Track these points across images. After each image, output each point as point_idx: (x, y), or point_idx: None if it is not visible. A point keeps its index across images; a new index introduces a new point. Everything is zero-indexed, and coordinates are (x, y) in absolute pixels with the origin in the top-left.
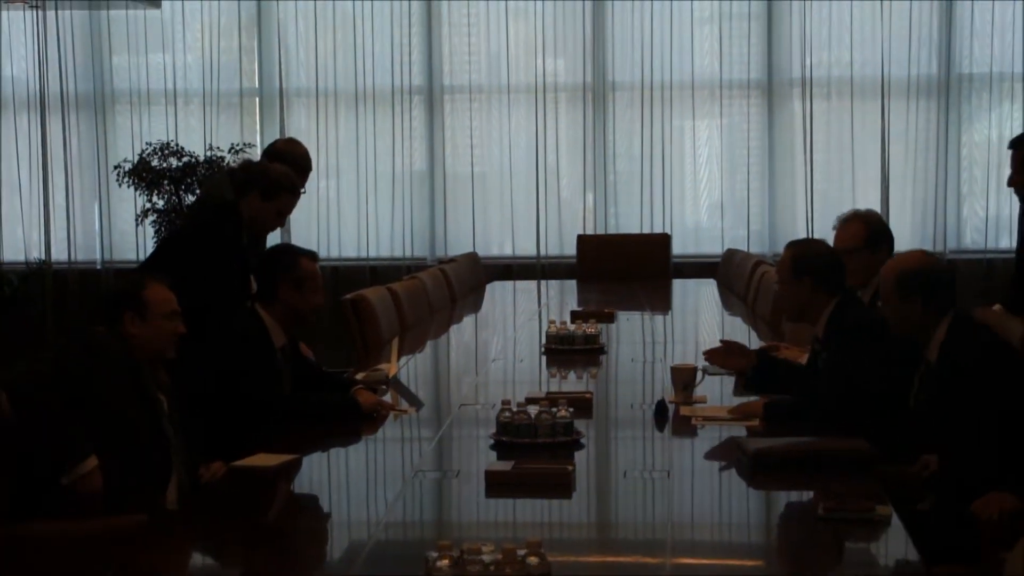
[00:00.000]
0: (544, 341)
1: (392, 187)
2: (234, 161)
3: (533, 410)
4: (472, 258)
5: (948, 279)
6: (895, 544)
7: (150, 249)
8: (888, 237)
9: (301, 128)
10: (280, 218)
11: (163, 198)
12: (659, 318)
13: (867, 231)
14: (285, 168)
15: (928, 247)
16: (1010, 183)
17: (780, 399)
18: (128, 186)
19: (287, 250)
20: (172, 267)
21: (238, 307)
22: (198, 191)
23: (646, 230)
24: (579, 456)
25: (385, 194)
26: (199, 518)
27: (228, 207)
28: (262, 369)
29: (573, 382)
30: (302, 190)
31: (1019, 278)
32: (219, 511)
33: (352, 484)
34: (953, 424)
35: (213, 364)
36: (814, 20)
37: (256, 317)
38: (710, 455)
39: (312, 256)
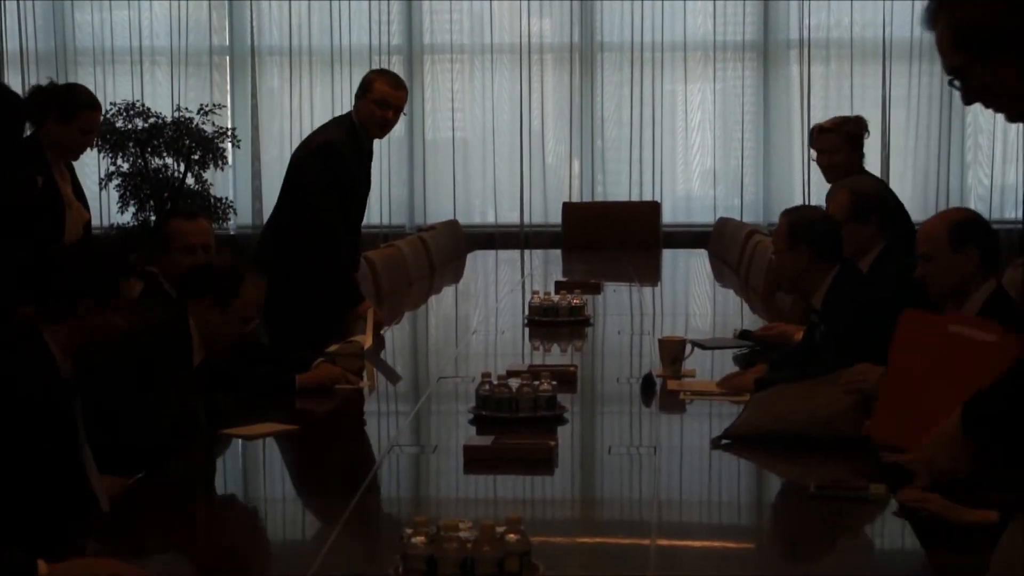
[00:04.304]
0: (527, 312)
1: None
2: (203, 123)
3: (514, 383)
4: (452, 226)
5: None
6: (892, 525)
7: (115, 213)
8: (877, 205)
9: (274, 89)
10: (87, 137)
11: (128, 161)
12: (647, 289)
13: (851, 201)
14: (80, 85)
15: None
16: None
17: (772, 374)
18: (92, 148)
19: (167, 217)
20: None
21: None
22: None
23: (635, 198)
24: (562, 431)
25: None
26: (167, 490)
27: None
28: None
29: (557, 355)
30: (404, 112)
31: None
32: (188, 484)
33: (327, 458)
34: None
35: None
36: None
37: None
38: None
39: (189, 215)
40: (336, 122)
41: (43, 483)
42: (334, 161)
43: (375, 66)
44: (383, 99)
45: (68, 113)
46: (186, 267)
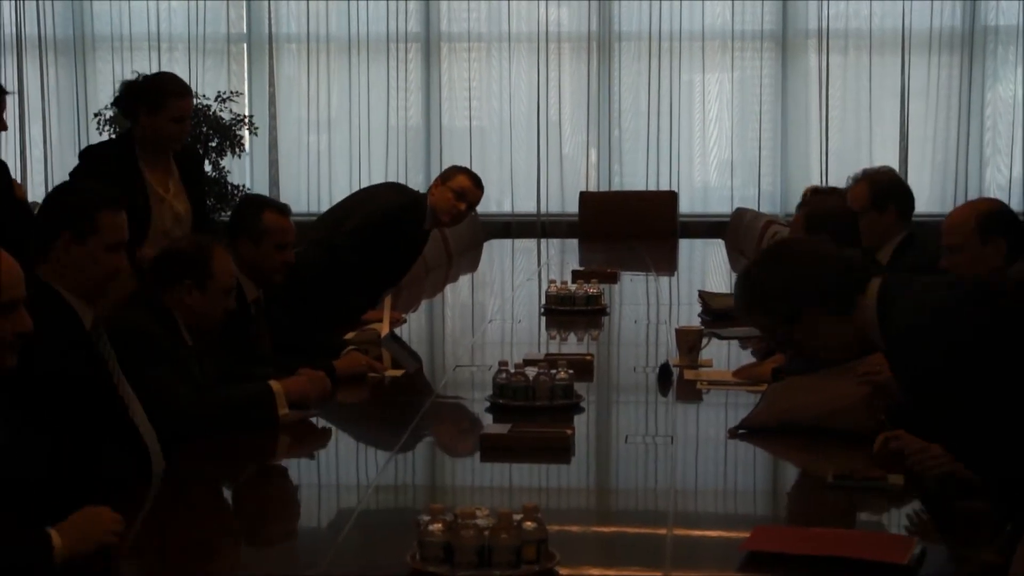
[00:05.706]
0: (544, 301)
1: (386, 140)
2: (220, 110)
3: (531, 372)
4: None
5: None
6: (910, 516)
7: None
8: (896, 195)
9: (291, 77)
10: (181, 125)
11: None
12: (664, 279)
13: (871, 191)
14: (168, 74)
15: (948, 210)
16: None
17: (790, 364)
18: (109, 134)
19: (251, 201)
20: None
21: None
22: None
23: (652, 187)
24: (579, 420)
25: (379, 147)
26: (178, 481)
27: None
28: (233, 323)
29: (573, 344)
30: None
31: None
32: (202, 472)
33: (342, 447)
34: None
35: None
36: None
37: None
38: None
39: (280, 209)
40: (414, 192)
41: (86, 435)
42: (400, 204)
43: (392, 54)
44: (462, 190)
45: (156, 104)
46: (279, 262)
